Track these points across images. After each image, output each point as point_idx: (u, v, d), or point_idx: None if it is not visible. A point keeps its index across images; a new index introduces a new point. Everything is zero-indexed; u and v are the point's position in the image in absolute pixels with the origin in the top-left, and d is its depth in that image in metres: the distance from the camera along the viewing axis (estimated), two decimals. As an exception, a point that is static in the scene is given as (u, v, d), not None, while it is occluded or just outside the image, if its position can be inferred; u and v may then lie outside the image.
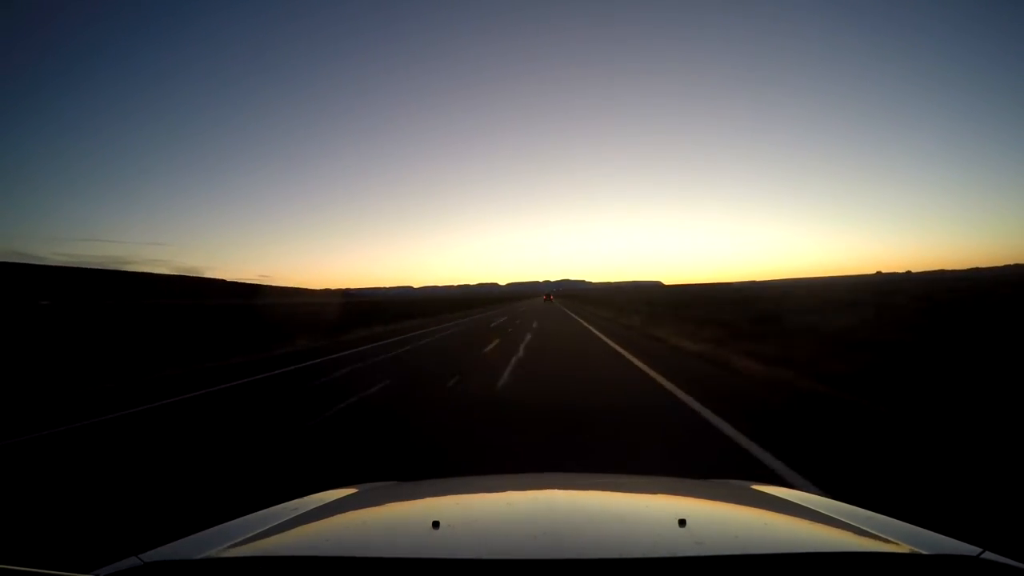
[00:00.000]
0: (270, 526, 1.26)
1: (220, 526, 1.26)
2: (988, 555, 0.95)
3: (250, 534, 1.19)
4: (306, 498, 1.57)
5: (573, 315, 32.59)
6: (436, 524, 1.14)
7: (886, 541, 1.06)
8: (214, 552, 1.06)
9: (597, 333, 18.39)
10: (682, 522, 1.12)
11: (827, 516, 1.27)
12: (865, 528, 1.15)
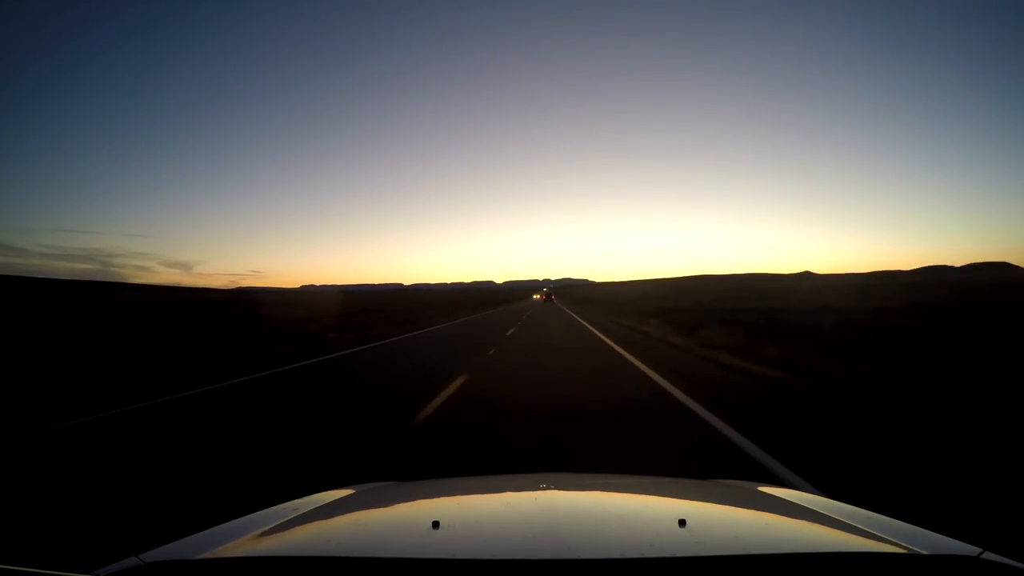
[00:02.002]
0: (270, 526, 1.26)
1: (220, 526, 1.26)
2: (988, 555, 0.95)
3: (250, 534, 1.19)
4: (306, 498, 1.57)
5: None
6: (436, 524, 1.14)
7: (886, 541, 1.07)
8: (214, 552, 1.06)
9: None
10: (682, 522, 1.12)
11: (827, 516, 1.28)
12: (865, 528, 1.16)
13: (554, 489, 1.64)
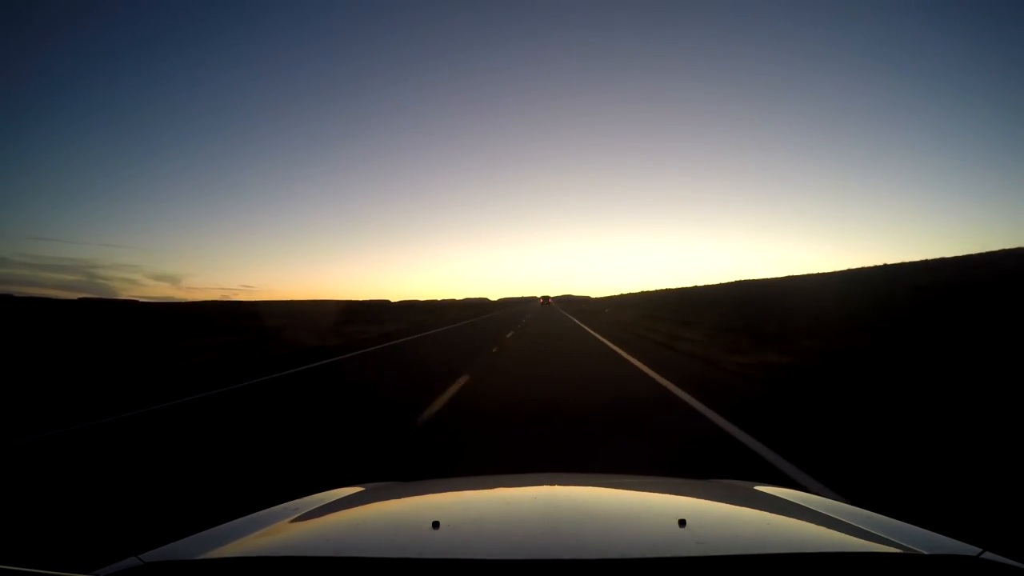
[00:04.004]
0: (270, 526, 1.26)
1: (220, 526, 1.26)
2: (988, 555, 0.95)
3: (250, 534, 1.19)
4: (306, 498, 1.57)
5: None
6: (436, 524, 1.14)
7: (886, 541, 1.07)
8: (214, 552, 1.06)
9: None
10: (682, 522, 1.12)
11: (827, 516, 1.28)
12: (865, 528, 1.16)
13: (554, 489, 1.65)
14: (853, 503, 1.39)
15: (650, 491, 1.71)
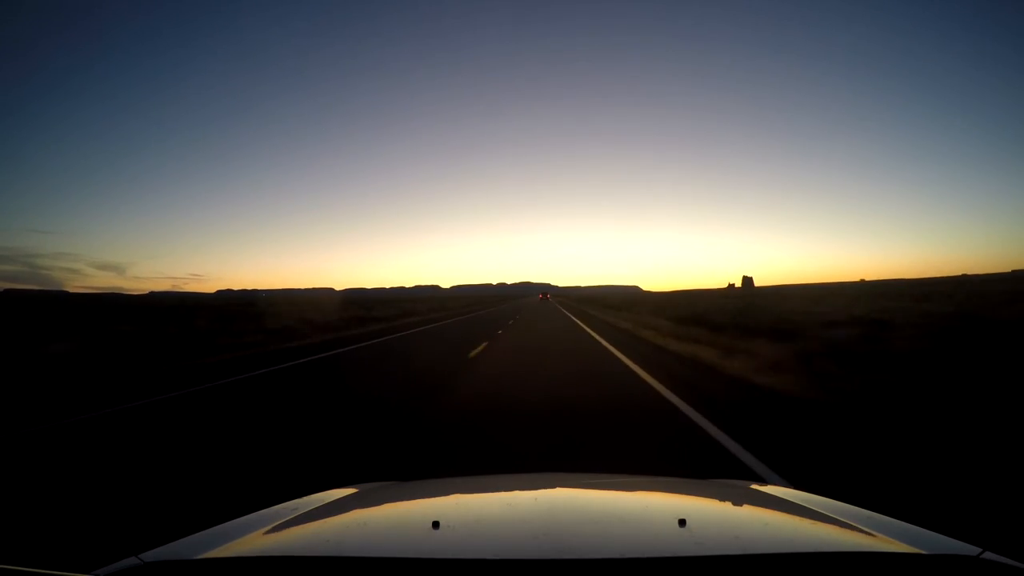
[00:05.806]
0: (270, 526, 1.25)
1: (220, 526, 1.25)
2: (988, 555, 0.96)
3: (250, 534, 1.18)
4: (306, 498, 1.56)
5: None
6: (436, 524, 1.14)
7: (886, 541, 1.07)
8: (214, 552, 1.06)
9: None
10: (682, 522, 1.12)
11: (827, 516, 1.28)
12: (865, 528, 1.16)
13: (554, 489, 1.66)
14: (853, 502, 1.43)
15: (650, 491, 1.72)
